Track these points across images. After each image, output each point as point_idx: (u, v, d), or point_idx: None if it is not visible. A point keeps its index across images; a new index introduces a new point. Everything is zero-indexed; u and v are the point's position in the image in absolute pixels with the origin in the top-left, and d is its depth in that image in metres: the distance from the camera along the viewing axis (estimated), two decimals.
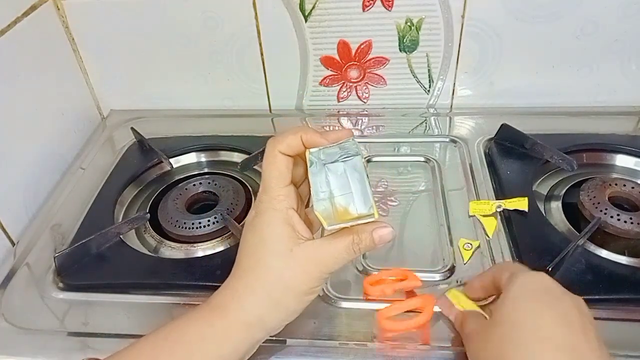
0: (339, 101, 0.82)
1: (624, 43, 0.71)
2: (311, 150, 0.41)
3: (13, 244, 0.63)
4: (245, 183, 0.68)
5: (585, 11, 0.69)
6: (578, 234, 0.56)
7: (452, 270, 0.54)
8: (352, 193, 0.39)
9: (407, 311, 0.49)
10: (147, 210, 0.65)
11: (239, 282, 0.42)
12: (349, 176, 0.40)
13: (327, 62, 0.77)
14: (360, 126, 0.78)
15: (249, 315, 0.40)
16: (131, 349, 0.40)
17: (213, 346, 0.40)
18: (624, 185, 0.61)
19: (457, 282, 0.53)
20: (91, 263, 0.57)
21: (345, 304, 0.52)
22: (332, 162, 0.41)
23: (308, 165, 0.41)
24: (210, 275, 0.54)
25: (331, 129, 0.78)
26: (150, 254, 0.60)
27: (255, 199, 0.50)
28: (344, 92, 0.80)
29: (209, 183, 0.67)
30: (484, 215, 0.60)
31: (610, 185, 0.61)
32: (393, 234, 0.41)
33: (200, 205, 0.66)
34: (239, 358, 0.41)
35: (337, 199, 0.39)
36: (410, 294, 0.52)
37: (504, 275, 0.43)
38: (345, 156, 0.41)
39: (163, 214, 0.63)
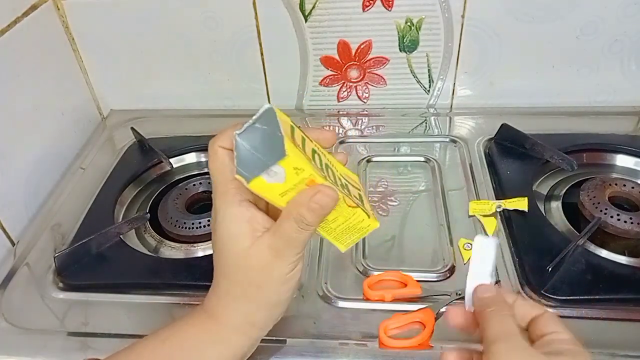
0: (339, 101, 0.82)
1: (624, 43, 0.71)
2: (236, 132, 0.37)
3: (13, 244, 0.63)
4: None
5: (585, 11, 0.69)
6: (578, 234, 0.56)
7: (452, 270, 0.54)
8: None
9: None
10: (147, 210, 0.65)
11: (219, 287, 0.41)
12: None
13: (327, 62, 0.77)
14: (360, 126, 0.78)
15: (236, 318, 0.40)
16: (130, 351, 0.40)
17: (212, 350, 0.40)
18: (624, 185, 0.61)
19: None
20: (91, 263, 0.57)
21: (345, 304, 0.52)
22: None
23: (234, 145, 0.38)
24: (210, 275, 0.53)
25: (331, 129, 0.78)
26: (150, 254, 0.60)
27: None
28: (344, 92, 0.80)
29: (209, 183, 0.67)
30: (484, 215, 0.60)
31: (610, 185, 0.61)
32: (334, 194, 0.36)
33: (200, 205, 0.66)
34: (240, 359, 0.41)
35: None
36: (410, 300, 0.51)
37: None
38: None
39: (163, 214, 0.63)
